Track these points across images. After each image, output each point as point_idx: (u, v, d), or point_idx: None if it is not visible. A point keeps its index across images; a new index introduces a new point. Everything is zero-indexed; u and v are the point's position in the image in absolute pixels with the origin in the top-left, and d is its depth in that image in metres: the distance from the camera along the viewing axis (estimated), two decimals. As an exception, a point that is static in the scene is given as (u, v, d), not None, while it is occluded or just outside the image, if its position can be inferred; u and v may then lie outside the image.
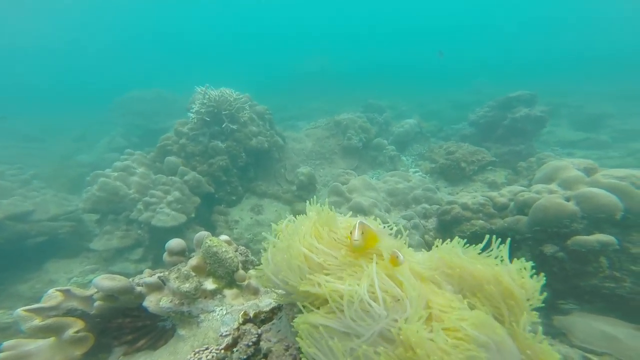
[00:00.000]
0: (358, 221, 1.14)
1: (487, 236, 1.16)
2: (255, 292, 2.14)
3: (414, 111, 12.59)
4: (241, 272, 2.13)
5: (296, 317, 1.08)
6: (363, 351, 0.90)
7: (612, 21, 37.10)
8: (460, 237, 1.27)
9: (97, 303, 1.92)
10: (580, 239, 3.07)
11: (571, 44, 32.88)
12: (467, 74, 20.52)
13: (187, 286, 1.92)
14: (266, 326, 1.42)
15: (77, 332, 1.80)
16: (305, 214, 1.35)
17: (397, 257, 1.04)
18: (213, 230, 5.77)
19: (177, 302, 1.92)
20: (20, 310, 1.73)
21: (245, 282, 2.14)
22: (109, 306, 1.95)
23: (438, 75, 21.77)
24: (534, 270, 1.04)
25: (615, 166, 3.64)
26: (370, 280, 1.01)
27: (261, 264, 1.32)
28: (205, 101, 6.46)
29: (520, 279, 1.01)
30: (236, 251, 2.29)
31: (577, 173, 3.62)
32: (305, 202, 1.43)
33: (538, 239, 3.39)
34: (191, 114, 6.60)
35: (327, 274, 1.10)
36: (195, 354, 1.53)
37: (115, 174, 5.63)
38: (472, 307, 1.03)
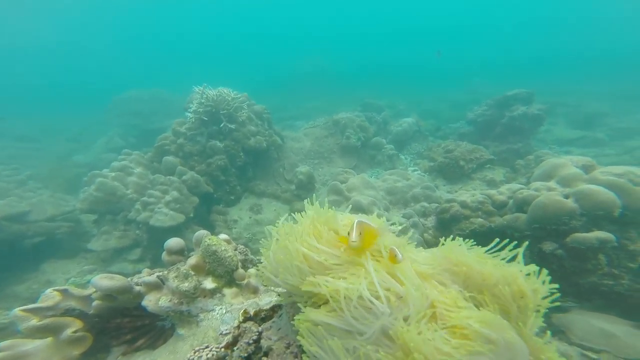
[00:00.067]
0: (356, 220, 1.12)
1: (497, 239, 1.16)
2: (255, 290, 2.13)
3: (412, 110, 12.60)
4: (240, 270, 2.12)
5: (297, 315, 1.08)
6: (365, 351, 0.90)
7: (611, 21, 37.29)
8: (459, 235, 1.26)
9: (95, 303, 1.90)
10: (580, 236, 3.08)
11: (570, 44, 33.03)
12: (465, 74, 20.56)
13: (186, 285, 1.91)
14: (267, 324, 1.41)
15: (75, 332, 1.78)
16: (305, 213, 1.34)
17: (395, 254, 1.04)
18: (212, 230, 5.75)
19: (176, 301, 1.91)
20: (17, 310, 1.71)
21: (245, 281, 2.13)
22: (107, 306, 1.93)
23: (436, 74, 21.83)
24: (549, 277, 1.04)
25: (612, 164, 3.66)
26: (369, 277, 1.00)
27: (261, 262, 1.31)
28: (203, 101, 6.44)
29: (533, 283, 1.00)
30: (235, 250, 2.28)
31: (576, 170, 3.63)
32: (305, 201, 1.41)
33: (537, 236, 3.40)
34: (189, 114, 6.57)
35: (329, 273, 1.09)
36: (195, 353, 1.52)
37: (113, 174, 5.60)
38: (478, 306, 1.02)
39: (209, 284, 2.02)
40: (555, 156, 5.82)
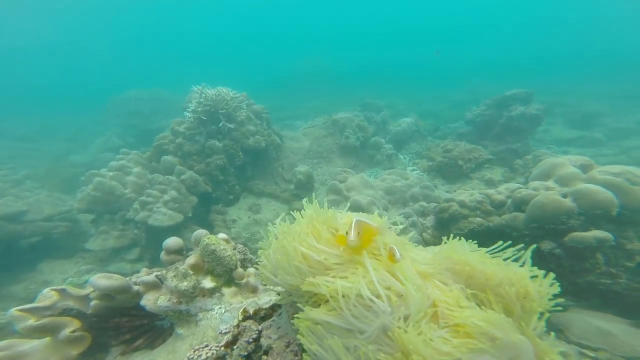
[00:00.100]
0: (354, 220, 1.11)
1: (500, 241, 1.16)
2: (254, 290, 2.12)
3: (411, 110, 12.63)
4: (240, 270, 2.12)
5: (297, 314, 1.07)
6: (365, 351, 0.89)
7: (611, 21, 37.43)
8: (458, 234, 1.26)
9: (93, 302, 1.89)
10: (578, 235, 3.09)
11: (570, 44, 33.17)
12: (463, 74, 20.63)
13: (185, 285, 1.90)
14: (266, 323, 1.41)
15: (73, 331, 1.77)
16: (304, 212, 1.33)
17: (394, 253, 1.03)
18: (211, 229, 5.73)
19: (175, 301, 1.90)
20: (14, 310, 1.70)
21: (244, 280, 2.13)
22: (105, 305, 1.92)
23: (435, 74, 21.90)
24: (554, 281, 1.04)
25: (609, 164, 3.67)
26: (368, 276, 0.99)
27: (261, 261, 1.31)
28: (202, 100, 6.42)
29: (539, 285, 1.00)
30: (234, 249, 2.27)
31: (574, 170, 3.64)
32: (303, 201, 1.40)
33: (535, 235, 3.41)
34: (188, 113, 6.55)
35: (329, 273, 1.08)
36: (194, 352, 1.52)
37: (111, 173, 5.58)
38: (480, 305, 1.01)
39: (207, 283, 2.02)
40: (553, 156, 5.84)
